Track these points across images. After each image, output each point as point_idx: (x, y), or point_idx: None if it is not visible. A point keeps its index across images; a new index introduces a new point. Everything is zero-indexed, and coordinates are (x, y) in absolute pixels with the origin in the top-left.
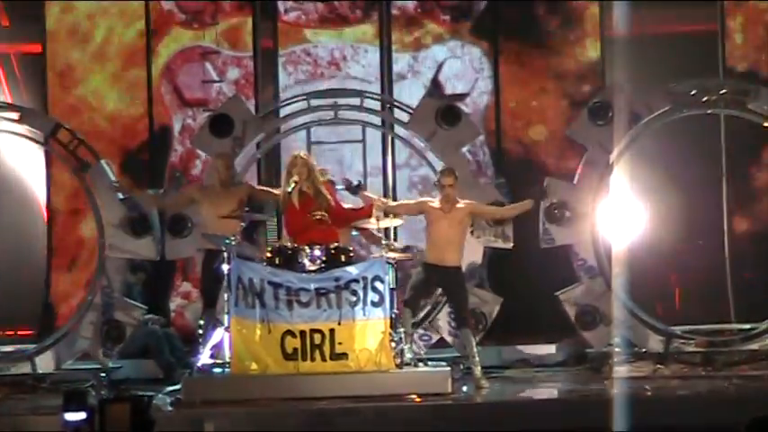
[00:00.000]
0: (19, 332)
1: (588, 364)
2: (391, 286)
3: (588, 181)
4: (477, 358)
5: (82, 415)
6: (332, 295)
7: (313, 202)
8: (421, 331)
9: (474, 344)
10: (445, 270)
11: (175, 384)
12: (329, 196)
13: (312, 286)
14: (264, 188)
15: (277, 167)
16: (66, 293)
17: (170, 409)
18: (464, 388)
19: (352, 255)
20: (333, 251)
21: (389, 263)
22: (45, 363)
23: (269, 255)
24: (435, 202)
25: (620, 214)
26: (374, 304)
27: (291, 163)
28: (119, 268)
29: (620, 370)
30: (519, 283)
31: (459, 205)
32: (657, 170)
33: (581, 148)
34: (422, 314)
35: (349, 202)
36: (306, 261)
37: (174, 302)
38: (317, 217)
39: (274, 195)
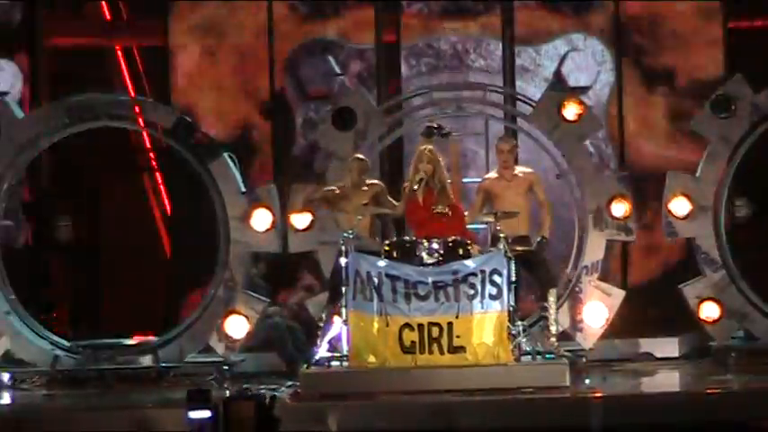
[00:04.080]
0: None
1: (711, 357)
2: (511, 279)
3: (710, 174)
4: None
5: (206, 413)
6: (450, 288)
7: (436, 196)
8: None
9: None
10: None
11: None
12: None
13: (430, 279)
14: (391, 199)
15: (399, 160)
16: (190, 286)
17: (288, 402)
18: (586, 381)
19: (470, 248)
20: (450, 244)
21: (508, 256)
22: (169, 355)
23: (387, 248)
24: (492, 174)
25: (742, 206)
26: (492, 297)
27: (418, 158)
28: (241, 261)
29: (743, 363)
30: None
31: (516, 173)
32: None
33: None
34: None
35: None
36: (424, 254)
37: (298, 295)
38: (439, 210)
39: (394, 208)
